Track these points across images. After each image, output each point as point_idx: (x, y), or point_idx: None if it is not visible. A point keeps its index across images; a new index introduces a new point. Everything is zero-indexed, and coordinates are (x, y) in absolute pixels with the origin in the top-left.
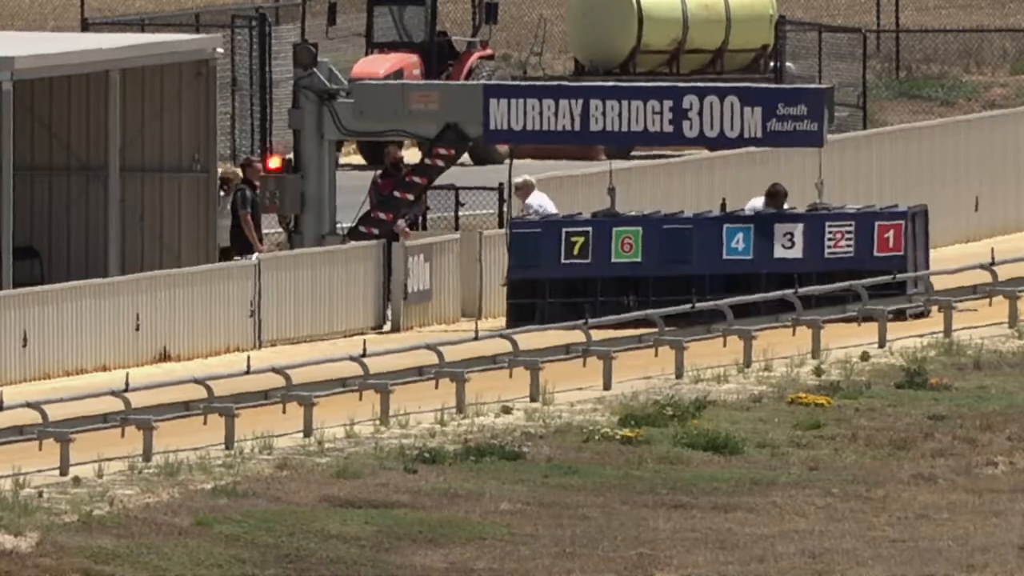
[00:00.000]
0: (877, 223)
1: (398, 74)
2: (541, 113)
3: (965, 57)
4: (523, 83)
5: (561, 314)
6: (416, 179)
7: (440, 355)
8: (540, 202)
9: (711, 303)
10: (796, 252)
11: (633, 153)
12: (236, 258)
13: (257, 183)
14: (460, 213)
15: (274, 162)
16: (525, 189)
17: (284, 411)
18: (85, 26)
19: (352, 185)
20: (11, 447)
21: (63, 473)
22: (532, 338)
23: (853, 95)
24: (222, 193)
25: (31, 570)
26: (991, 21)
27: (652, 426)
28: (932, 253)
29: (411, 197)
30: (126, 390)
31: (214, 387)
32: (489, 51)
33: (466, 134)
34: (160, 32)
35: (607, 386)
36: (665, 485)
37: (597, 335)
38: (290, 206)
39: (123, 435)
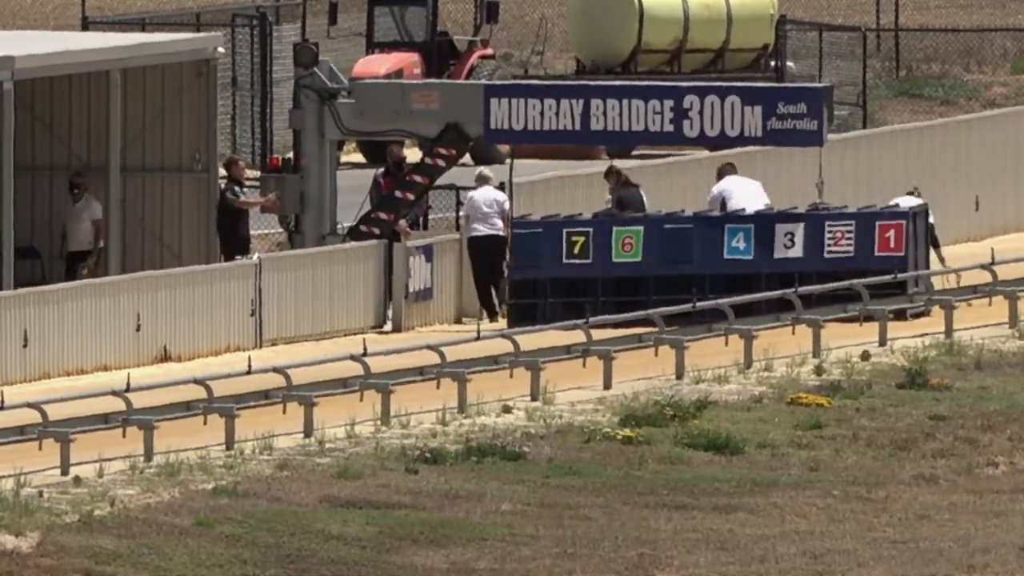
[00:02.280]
0: (878, 223)
1: (399, 74)
2: (542, 113)
3: (965, 56)
4: (524, 82)
5: (562, 314)
6: (417, 179)
7: (441, 355)
8: (492, 197)
9: (712, 303)
10: (796, 252)
11: (634, 152)
12: (238, 258)
13: (243, 182)
14: (460, 213)
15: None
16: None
17: (285, 411)
18: (86, 25)
19: (353, 185)
20: (12, 447)
21: (64, 473)
22: (533, 338)
23: (853, 94)
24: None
25: (32, 570)
26: (991, 20)
27: (653, 426)
28: (932, 252)
29: (412, 197)
30: (127, 390)
31: (215, 387)
32: (490, 50)
33: (467, 134)
34: (161, 31)
35: (608, 386)
36: (666, 485)
37: (598, 335)
38: (290, 206)
39: (124, 435)
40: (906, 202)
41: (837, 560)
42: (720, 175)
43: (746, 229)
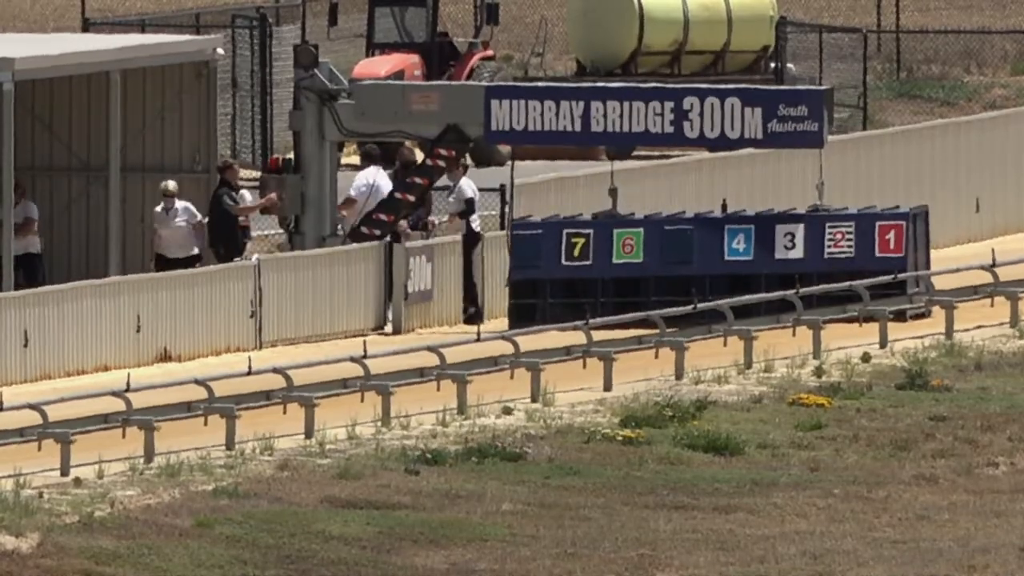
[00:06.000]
0: (878, 224)
1: (399, 75)
2: (542, 114)
3: (966, 58)
4: (524, 84)
5: (562, 315)
6: (417, 180)
7: (441, 356)
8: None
9: (712, 304)
10: (797, 253)
11: (634, 153)
12: (238, 259)
13: (236, 186)
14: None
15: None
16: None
17: (285, 412)
18: (86, 27)
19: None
20: (12, 448)
21: (64, 474)
22: (533, 339)
23: (854, 96)
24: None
25: (32, 571)
26: (992, 22)
27: (653, 427)
28: (933, 254)
29: (412, 198)
30: (127, 391)
31: (215, 388)
32: (490, 52)
33: (467, 135)
34: (160, 33)
35: (608, 387)
36: (666, 486)
37: (598, 336)
38: (291, 207)
39: (124, 436)
40: (468, 185)
41: (837, 560)
42: (370, 158)
43: (746, 230)
